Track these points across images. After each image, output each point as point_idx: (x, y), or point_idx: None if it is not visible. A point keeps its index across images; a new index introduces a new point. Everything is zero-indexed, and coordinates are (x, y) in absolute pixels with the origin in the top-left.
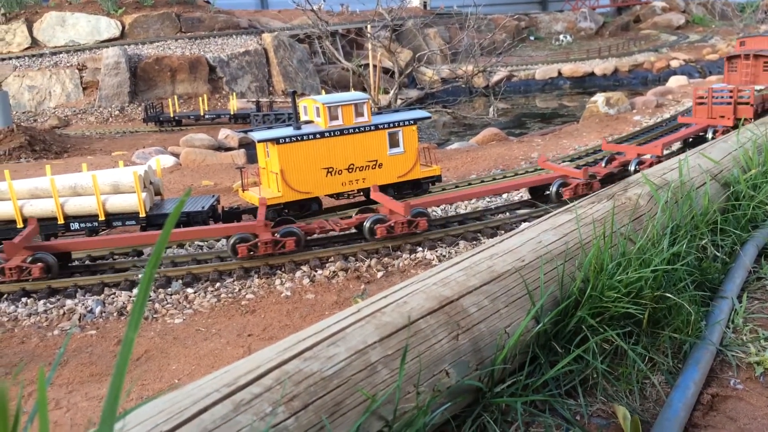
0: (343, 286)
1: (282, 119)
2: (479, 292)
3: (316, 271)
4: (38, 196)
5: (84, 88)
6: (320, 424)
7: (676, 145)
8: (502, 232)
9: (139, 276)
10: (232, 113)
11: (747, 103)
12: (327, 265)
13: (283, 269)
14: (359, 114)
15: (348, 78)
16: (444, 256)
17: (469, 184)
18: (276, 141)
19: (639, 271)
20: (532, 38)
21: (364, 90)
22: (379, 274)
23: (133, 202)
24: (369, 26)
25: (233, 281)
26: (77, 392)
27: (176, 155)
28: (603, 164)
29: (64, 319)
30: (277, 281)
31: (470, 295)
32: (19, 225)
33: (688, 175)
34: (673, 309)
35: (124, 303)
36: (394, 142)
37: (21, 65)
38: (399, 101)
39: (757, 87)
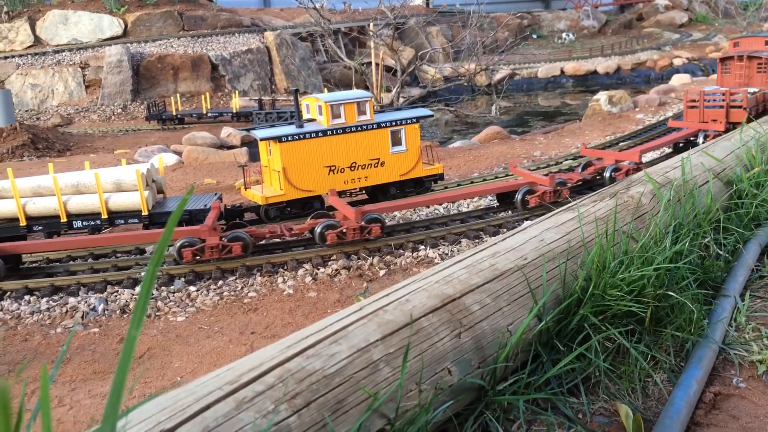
0: (345, 284)
1: (284, 117)
2: (481, 290)
3: (318, 269)
4: (41, 195)
5: (87, 87)
6: (323, 422)
7: (666, 150)
8: (505, 230)
9: (142, 274)
10: (234, 111)
11: (740, 107)
12: (329, 263)
13: (285, 267)
14: (361, 112)
15: (350, 76)
16: (446, 254)
17: (445, 188)
18: (278, 139)
19: (641, 269)
20: (534, 36)
21: (366, 88)
22: (382, 273)
23: (135, 200)
24: (371, 24)
25: (236, 279)
26: (80, 390)
27: (179, 153)
28: (580, 170)
29: (66, 317)
30: (280, 279)
31: (472, 293)
32: (23, 223)
33: (690, 174)
34: (675, 307)
35: (126, 301)
36: (396, 141)
37: (24, 63)
38: (401, 99)
39: (751, 89)
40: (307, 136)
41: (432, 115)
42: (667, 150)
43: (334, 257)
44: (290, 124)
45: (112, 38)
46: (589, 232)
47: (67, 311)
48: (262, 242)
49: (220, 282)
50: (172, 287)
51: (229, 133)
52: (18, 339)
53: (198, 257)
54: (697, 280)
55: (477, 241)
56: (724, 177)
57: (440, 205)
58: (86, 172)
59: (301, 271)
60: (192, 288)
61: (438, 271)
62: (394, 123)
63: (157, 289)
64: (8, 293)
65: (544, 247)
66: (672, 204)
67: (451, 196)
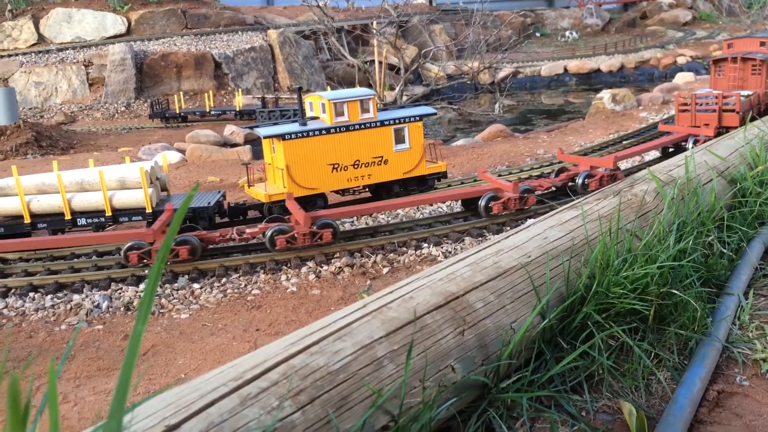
0: (348, 281)
1: (287, 115)
2: (485, 288)
3: (321, 267)
4: (45, 192)
5: (90, 85)
6: (327, 418)
7: (654, 154)
8: (508, 228)
9: (147, 271)
10: (237, 109)
11: (732, 110)
12: (333, 260)
13: (288, 265)
14: (365, 110)
15: (353, 74)
16: (450, 252)
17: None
18: (282, 137)
19: (645, 267)
20: (537, 34)
21: (369, 86)
22: (385, 270)
23: (139, 197)
24: (375, 23)
25: (239, 277)
26: (84, 386)
27: (182, 151)
28: (553, 176)
29: (71, 314)
30: (283, 277)
31: (476, 290)
32: (27, 221)
33: (694, 172)
34: (679, 305)
35: (130, 298)
36: (399, 139)
37: (27, 61)
38: (404, 98)
39: (744, 92)
40: (310, 133)
41: (435, 113)
42: (657, 154)
43: (338, 255)
44: (293, 122)
45: (115, 36)
46: (593, 230)
47: (71, 308)
48: (213, 246)
49: (224, 279)
50: (175, 285)
51: (233, 131)
52: (23, 336)
53: (144, 260)
54: (700, 279)
55: (480, 239)
56: (728, 175)
57: (403, 209)
58: (90, 169)
59: (304, 269)
60: (196, 285)
61: (442, 268)
62: (397, 121)
63: (160, 287)
64: (13, 290)
65: (548, 245)
66: (676, 202)
67: (419, 200)
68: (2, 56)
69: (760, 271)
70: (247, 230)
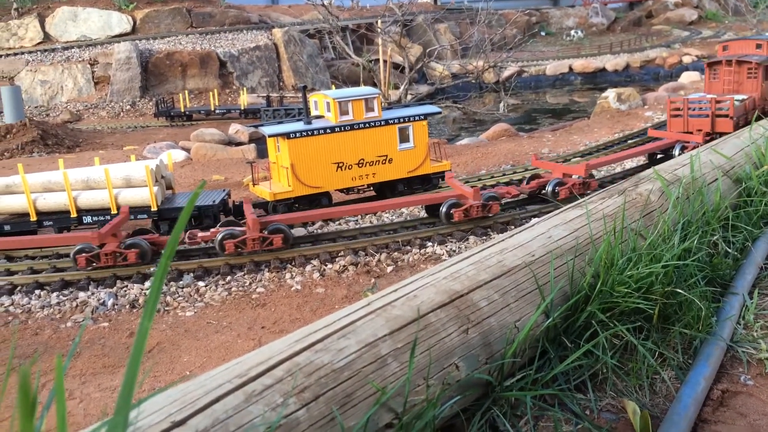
0: (353, 280)
1: (292, 114)
2: (489, 287)
3: (326, 266)
4: (51, 190)
5: (95, 83)
6: (331, 416)
7: (640, 160)
8: (512, 227)
9: (152, 269)
10: (242, 108)
11: (726, 116)
12: (337, 259)
13: (293, 263)
14: (369, 109)
15: (358, 73)
16: (454, 250)
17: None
18: (287, 136)
19: (650, 266)
20: (543, 33)
21: (374, 85)
22: (389, 269)
23: (145, 195)
24: (379, 21)
25: (244, 275)
26: (90, 383)
27: (187, 150)
28: (525, 182)
29: (77, 312)
30: (288, 275)
31: (480, 289)
32: (33, 218)
33: (699, 171)
34: (683, 304)
35: (136, 296)
36: (404, 137)
37: (33, 60)
38: (409, 96)
39: (738, 97)
40: (315, 132)
41: (440, 112)
42: (643, 160)
43: (342, 253)
44: (298, 120)
45: (120, 35)
46: (597, 229)
47: (77, 306)
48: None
49: (229, 277)
50: (181, 282)
51: (237, 129)
52: (29, 333)
53: (93, 263)
54: (705, 278)
55: (485, 238)
56: (734, 174)
57: (354, 216)
58: (96, 167)
59: (308, 267)
60: (201, 283)
61: (446, 267)
62: (401, 120)
63: (166, 284)
64: (19, 287)
65: (552, 244)
66: (681, 201)
67: (372, 207)
68: (8, 55)
69: (765, 270)
70: (199, 234)
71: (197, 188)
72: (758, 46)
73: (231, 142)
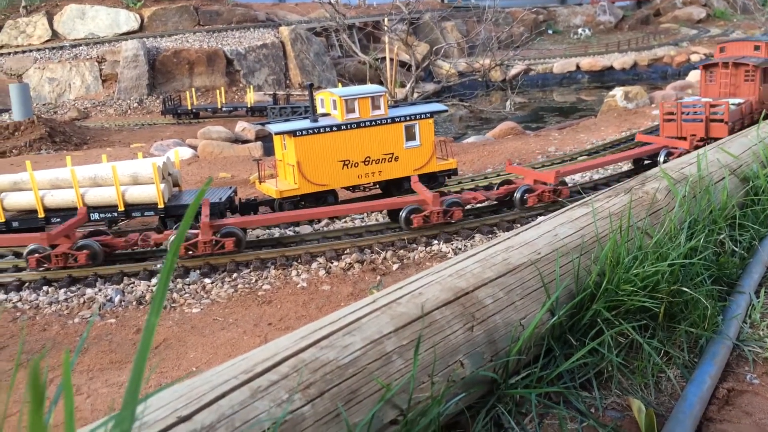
0: (358, 277)
1: (298, 112)
2: (494, 284)
3: (331, 263)
4: (59, 187)
5: (103, 81)
6: (336, 412)
7: (624, 166)
8: (518, 225)
9: (158, 266)
10: (249, 106)
11: (721, 120)
12: (343, 257)
13: (299, 260)
14: (376, 107)
15: (365, 71)
16: (459, 248)
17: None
18: (293, 133)
19: (656, 265)
20: (550, 32)
21: (380, 83)
22: (395, 267)
23: (152, 193)
24: (386, 19)
25: (250, 272)
26: (97, 379)
27: (194, 147)
28: (496, 188)
29: (84, 308)
30: (294, 272)
31: (485, 287)
32: (41, 215)
33: (706, 170)
34: (689, 303)
35: (142, 292)
36: (410, 135)
37: (41, 57)
38: (415, 95)
39: (734, 100)
40: (321, 130)
41: (446, 111)
42: (629, 165)
43: (348, 251)
44: (305, 118)
45: (128, 33)
46: (603, 228)
47: (84, 302)
48: (119, 251)
49: (235, 275)
50: (187, 279)
51: (244, 127)
52: (36, 329)
53: (44, 263)
54: (711, 277)
55: (490, 236)
56: (741, 173)
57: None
58: (103, 165)
59: (314, 265)
60: (207, 280)
61: (451, 264)
62: (408, 118)
63: (172, 281)
64: (27, 283)
65: (558, 242)
66: (687, 200)
67: (331, 212)
68: (17, 52)
69: None
70: (152, 236)
71: (204, 185)
72: (756, 48)
73: (238, 140)
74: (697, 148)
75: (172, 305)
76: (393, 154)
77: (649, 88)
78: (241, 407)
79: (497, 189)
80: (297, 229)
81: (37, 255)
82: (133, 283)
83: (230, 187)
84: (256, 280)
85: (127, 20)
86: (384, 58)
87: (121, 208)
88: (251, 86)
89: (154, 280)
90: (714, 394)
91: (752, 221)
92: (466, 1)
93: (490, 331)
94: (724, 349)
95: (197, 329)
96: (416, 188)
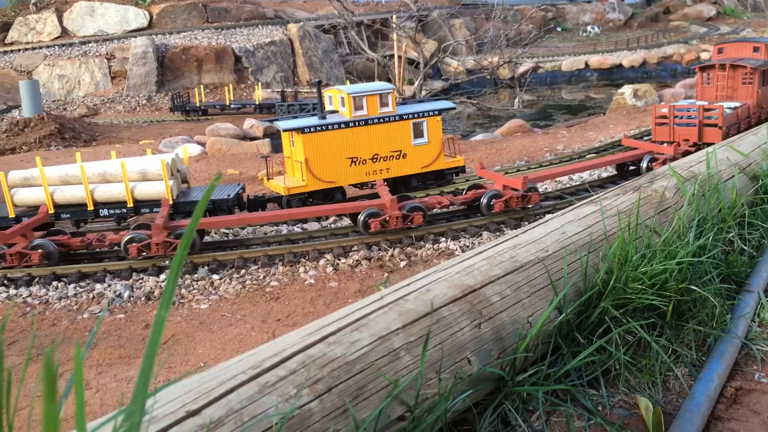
0: (366, 274)
1: (306, 109)
2: (502, 282)
3: (339, 260)
4: (69, 183)
5: (112, 78)
6: (343, 407)
7: (605, 171)
8: (526, 223)
9: (167, 262)
10: (257, 103)
11: (715, 125)
12: (350, 253)
13: (307, 257)
14: (384, 104)
15: (373, 68)
16: (467, 246)
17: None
18: (301, 130)
19: (664, 263)
20: (559, 29)
21: (388, 81)
22: (402, 264)
23: (160, 189)
24: (394, 17)
25: (258, 268)
26: (106, 374)
27: (202, 144)
28: (464, 192)
29: (93, 303)
30: (301, 269)
31: (493, 284)
32: (51, 211)
33: (715, 168)
34: (698, 302)
35: (151, 288)
36: (418, 133)
37: (51, 54)
38: (424, 92)
39: (730, 104)
40: (329, 127)
41: (454, 108)
42: (611, 170)
43: (355, 248)
44: (313, 115)
45: (137, 30)
46: (612, 226)
47: (93, 297)
48: (75, 251)
49: (243, 271)
50: (195, 275)
51: (252, 124)
52: (46, 324)
53: (1, 263)
54: (720, 275)
55: (498, 233)
56: (750, 172)
57: (259, 224)
58: (113, 161)
59: (322, 261)
60: (215, 276)
61: (459, 262)
62: (416, 115)
63: (181, 277)
64: (36, 278)
65: (566, 240)
66: (696, 198)
67: (290, 215)
68: (26, 49)
69: None
70: (109, 237)
71: (213, 180)
72: (756, 50)
73: (246, 137)
74: (687, 153)
75: (181, 301)
76: (401, 151)
77: (659, 86)
78: (249, 402)
79: (465, 193)
80: (305, 225)
81: None
82: (142, 278)
83: (238, 184)
84: (264, 277)
85: (136, 17)
86: (392, 56)
87: (130, 204)
88: (259, 83)
89: (162, 276)
90: (722, 392)
91: (762, 220)
92: None
93: (497, 328)
94: (733, 348)
95: (205, 325)
96: (379, 191)
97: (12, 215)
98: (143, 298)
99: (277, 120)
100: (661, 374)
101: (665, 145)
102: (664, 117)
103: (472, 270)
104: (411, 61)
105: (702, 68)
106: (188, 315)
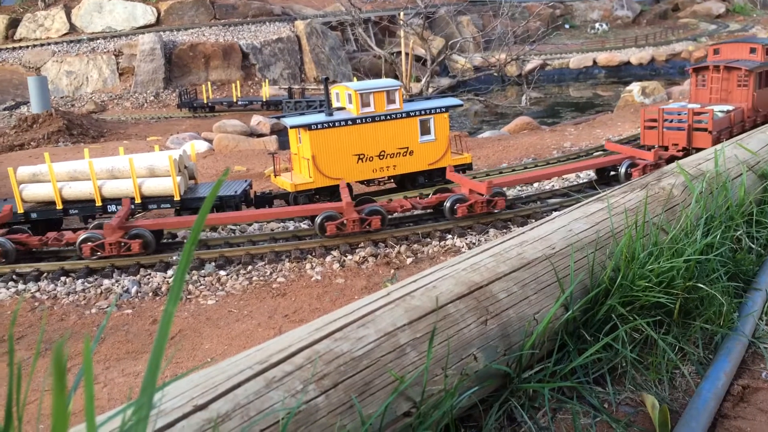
0: (372, 271)
1: (313, 106)
2: (509, 279)
3: (346, 257)
4: (77, 179)
5: (120, 74)
6: (349, 403)
7: (586, 175)
8: (533, 220)
9: (174, 258)
10: (264, 100)
11: (705, 129)
12: (357, 250)
13: (313, 254)
14: (391, 101)
15: (380, 65)
16: (474, 243)
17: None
18: (308, 127)
19: (671, 260)
20: (567, 26)
21: (396, 78)
22: (409, 261)
23: (168, 185)
24: (402, 14)
25: (264, 264)
26: (114, 368)
27: (209, 141)
28: (431, 195)
29: (101, 298)
30: (308, 265)
31: (499, 281)
32: (59, 207)
33: (723, 166)
34: (705, 299)
35: (159, 284)
36: (425, 130)
37: (59, 51)
38: (431, 89)
39: (722, 108)
40: (336, 124)
41: (461, 105)
42: (591, 174)
43: (362, 245)
44: (320, 112)
45: (145, 26)
46: (619, 223)
47: (101, 293)
48: (36, 250)
49: (250, 267)
50: (202, 271)
51: (259, 121)
52: (54, 318)
53: None
54: (727, 273)
55: (505, 231)
56: (759, 170)
57: (235, 224)
58: (121, 157)
59: (328, 258)
60: (222, 272)
61: (465, 258)
62: (423, 112)
63: (188, 273)
64: (45, 274)
65: (573, 237)
66: (704, 196)
67: (248, 216)
68: (35, 45)
69: None
70: (66, 236)
71: (221, 176)
72: (752, 51)
73: (253, 134)
74: (673, 159)
75: (188, 297)
76: (408, 148)
77: (667, 83)
78: (255, 397)
79: (430, 197)
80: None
81: None
82: (150, 274)
83: (245, 181)
84: (271, 273)
85: (144, 14)
86: (399, 53)
87: (138, 200)
88: (266, 80)
89: (170, 272)
90: (729, 390)
91: None
92: None
93: (503, 325)
94: (740, 346)
95: (212, 321)
96: (341, 193)
97: (21, 211)
98: (151, 294)
99: (284, 116)
100: (667, 372)
101: (652, 150)
102: (654, 120)
103: (479, 267)
104: (418, 58)
105: (696, 70)
106: (195, 311)
